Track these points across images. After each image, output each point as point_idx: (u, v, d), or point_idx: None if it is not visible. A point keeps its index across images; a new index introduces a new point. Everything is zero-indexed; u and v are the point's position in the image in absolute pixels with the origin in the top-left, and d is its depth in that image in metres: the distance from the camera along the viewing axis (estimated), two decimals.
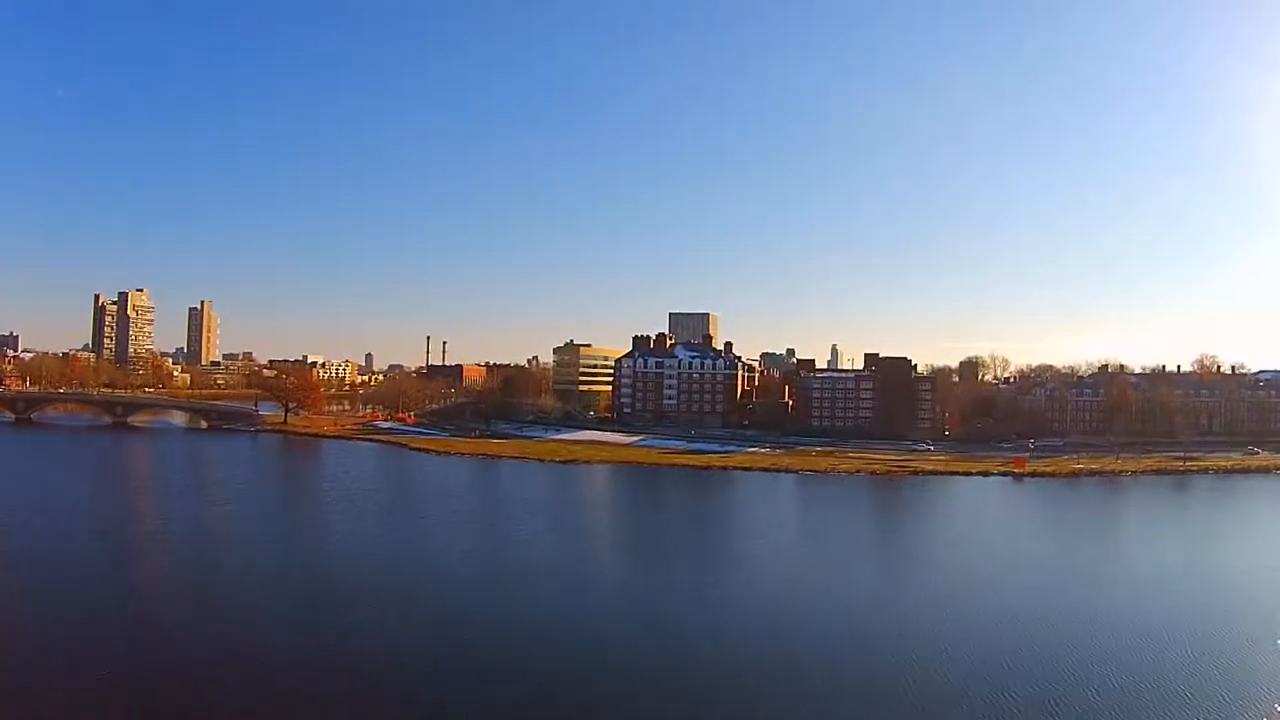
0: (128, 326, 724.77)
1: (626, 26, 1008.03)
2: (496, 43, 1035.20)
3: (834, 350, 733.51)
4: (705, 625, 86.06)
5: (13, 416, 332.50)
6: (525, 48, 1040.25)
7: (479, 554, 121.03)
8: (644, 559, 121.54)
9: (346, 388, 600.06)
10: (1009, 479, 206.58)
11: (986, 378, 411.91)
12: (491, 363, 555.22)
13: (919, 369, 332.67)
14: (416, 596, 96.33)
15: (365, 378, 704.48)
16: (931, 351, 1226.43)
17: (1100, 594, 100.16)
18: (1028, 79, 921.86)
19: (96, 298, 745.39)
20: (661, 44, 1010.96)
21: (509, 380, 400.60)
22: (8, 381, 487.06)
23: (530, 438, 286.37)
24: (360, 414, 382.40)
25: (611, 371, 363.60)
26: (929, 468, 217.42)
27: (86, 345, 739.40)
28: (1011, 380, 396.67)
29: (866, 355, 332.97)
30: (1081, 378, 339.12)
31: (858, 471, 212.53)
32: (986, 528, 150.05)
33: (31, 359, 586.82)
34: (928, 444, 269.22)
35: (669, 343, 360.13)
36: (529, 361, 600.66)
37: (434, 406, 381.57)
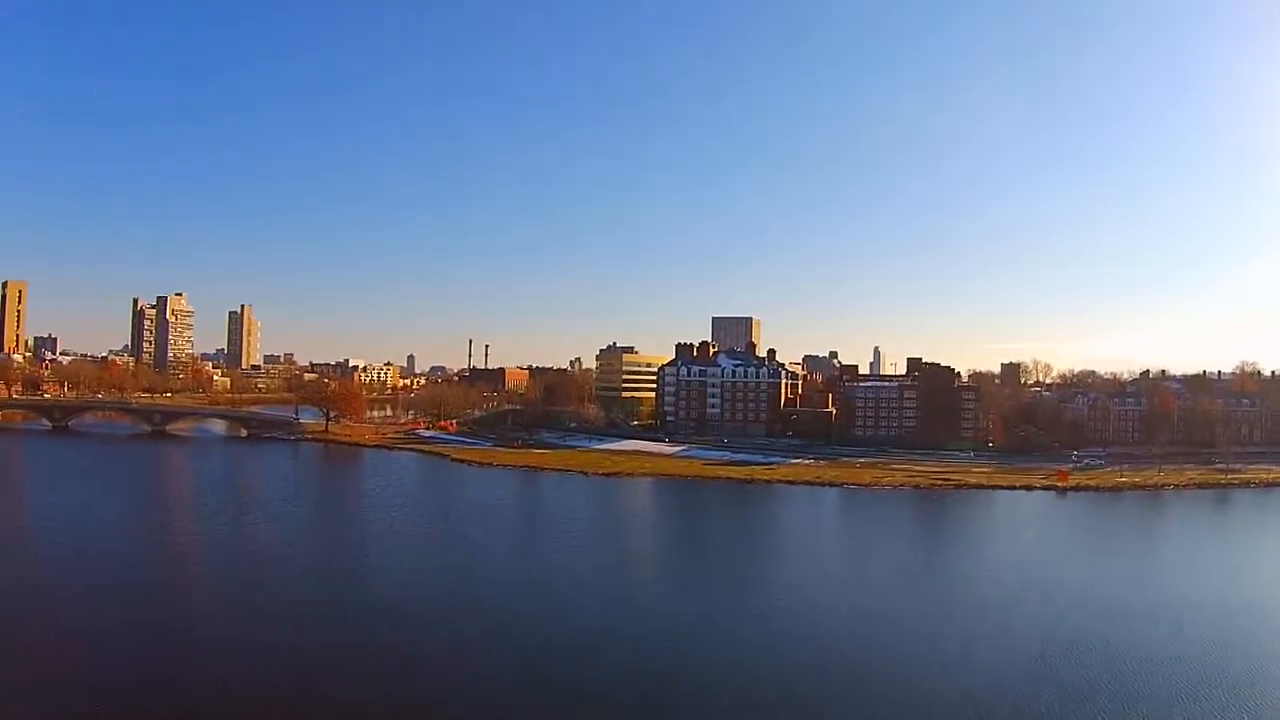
0: (167, 331, 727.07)
1: (661, 26, 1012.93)
2: (533, 40, 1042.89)
3: (876, 353, 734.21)
4: (751, 650, 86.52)
5: (49, 424, 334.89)
6: (562, 46, 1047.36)
7: (517, 576, 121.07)
8: (686, 585, 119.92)
9: (388, 392, 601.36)
10: (1052, 493, 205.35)
11: (1028, 382, 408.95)
12: (534, 365, 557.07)
13: (961, 374, 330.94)
14: (452, 617, 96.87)
15: (407, 381, 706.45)
16: (972, 353, 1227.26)
17: (1134, 625, 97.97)
18: (1055, 78, 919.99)
19: (135, 302, 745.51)
20: (698, 44, 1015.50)
21: (551, 387, 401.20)
22: (45, 387, 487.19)
23: (573, 447, 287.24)
24: (402, 421, 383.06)
25: (654, 378, 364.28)
26: (973, 481, 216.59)
27: (126, 347, 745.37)
28: (1053, 386, 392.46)
29: (909, 360, 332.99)
30: (1123, 385, 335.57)
31: (901, 485, 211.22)
32: (1032, 556, 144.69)
33: (69, 363, 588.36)
34: (969, 454, 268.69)
35: (712, 351, 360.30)
36: (571, 364, 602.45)
37: (476, 414, 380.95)
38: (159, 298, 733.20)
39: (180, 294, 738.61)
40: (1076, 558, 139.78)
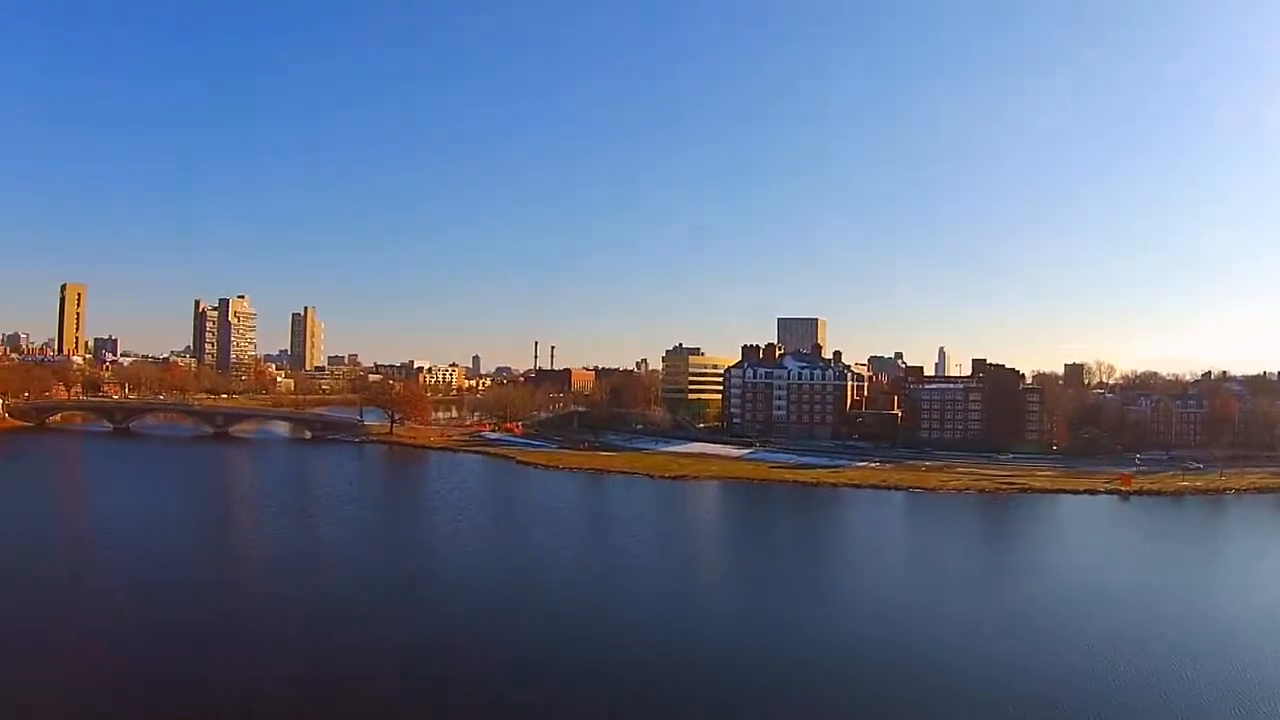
0: (229, 332, 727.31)
1: (726, 27, 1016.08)
2: (592, 42, 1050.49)
3: (941, 354, 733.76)
4: (820, 653, 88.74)
5: (110, 426, 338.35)
6: (623, 46, 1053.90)
7: (584, 580, 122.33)
8: (754, 589, 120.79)
9: (454, 393, 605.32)
10: (1116, 497, 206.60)
11: (1091, 384, 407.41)
12: (600, 367, 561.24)
13: (1025, 375, 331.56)
14: (516, 621, 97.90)
15: (472, 382, 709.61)
16: (1035, 353, 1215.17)
17: (1191, 631, 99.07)
18: (1112, 74, 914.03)
19: (197, 304, 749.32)
20: (758, 47, 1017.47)
21: (617, 388, 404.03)
22: (105, 388, 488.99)
23: (640, 450, 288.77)
24: (468, 423, 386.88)
25: (720, 379, 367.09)
26: (1037, 485, 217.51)
27: (188, 348, 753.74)
28: (1116, 388, 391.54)
29: (974, 362, 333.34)
30: (1185, 386, 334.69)
31: (966, 489, 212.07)
32: (1096, 562, 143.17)
33: (130, 365, 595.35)
34: (1032, 457, 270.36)
35: (778, 353, 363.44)
36: (638, 365, 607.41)
37: (542, 416, 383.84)
38: (221, 300, 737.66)
39: (243, 296, 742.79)
40: (1140, 564, 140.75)
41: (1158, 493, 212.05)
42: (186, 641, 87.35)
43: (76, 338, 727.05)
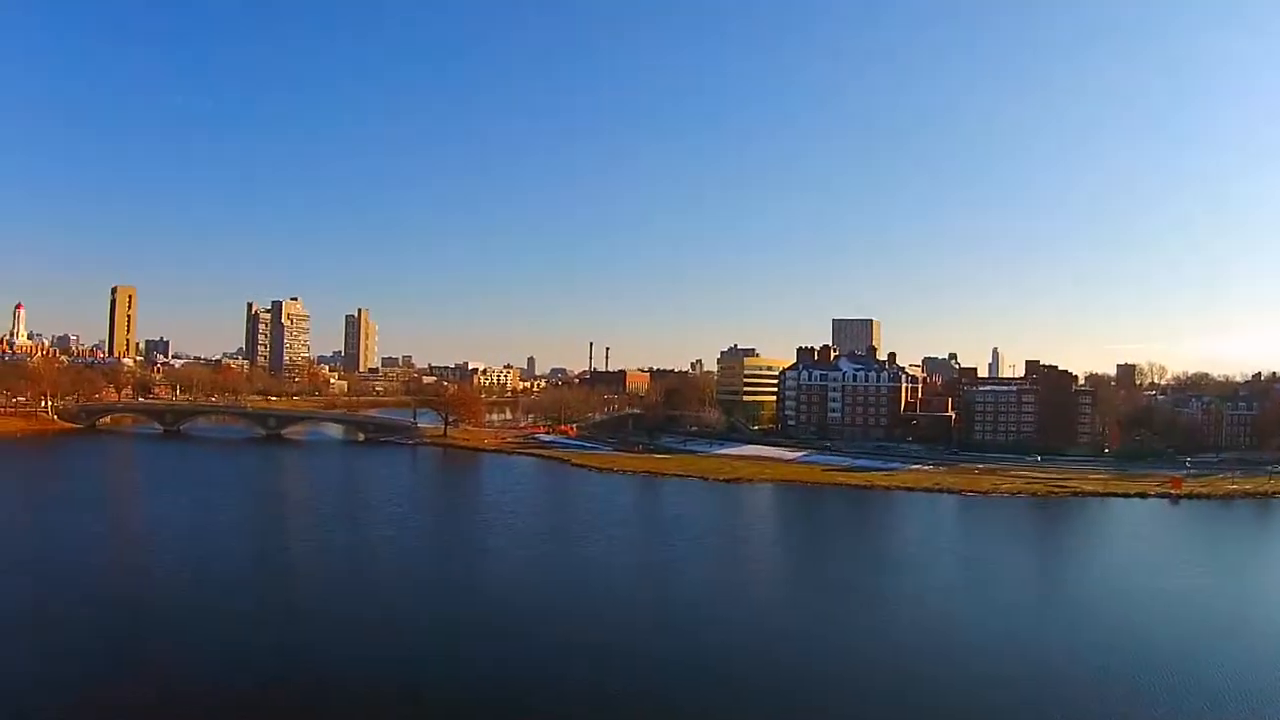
0: (282, 334, 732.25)
1: (770, 28, 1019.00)
2: (644, 45, 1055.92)
3: (995, 354, 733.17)
4: (875, 660, 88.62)
5: (161, 429, 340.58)
6: (676, 50, 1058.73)
7: (636, 584, 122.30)
8: (808, 595, 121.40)
9: (508, 395, 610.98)
10: (1166, 500, 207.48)
11: (1142, 385, 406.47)
12: (654, 368, 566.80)
13: (1078, 376, 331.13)
14: (568, 627, 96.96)
15: (527, 384, 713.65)
16: (1087, 353, 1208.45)
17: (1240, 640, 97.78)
18: (1166, 71, 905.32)
19: (249, 306, 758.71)
20: (807, 45, 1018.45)
21: (672, 391, 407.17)
22: (156, 390, 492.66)
23: (694, 452, 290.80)
24: (522, 425, 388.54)
25: (775, 381, 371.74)
26: (1089, 488, 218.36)
27: (240, 350, 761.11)
28: (1167, 389, 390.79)
29: (1027, 363, 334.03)
30: (1235, 388, 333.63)
31: (1018, 492, 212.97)
32: (1145, 566, 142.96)
33: (181, 367, 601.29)
34: (1085, 460, 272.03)
35: (833, 354, 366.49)
36: (693, 366, 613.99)
37: (597, 418, 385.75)
38: (274, 302, 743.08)
39: (296, 298, 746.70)
40: (1189, 570, 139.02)
41: (1208, 496, 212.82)
42: (233, 643, 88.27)
43: (127, 340, 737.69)
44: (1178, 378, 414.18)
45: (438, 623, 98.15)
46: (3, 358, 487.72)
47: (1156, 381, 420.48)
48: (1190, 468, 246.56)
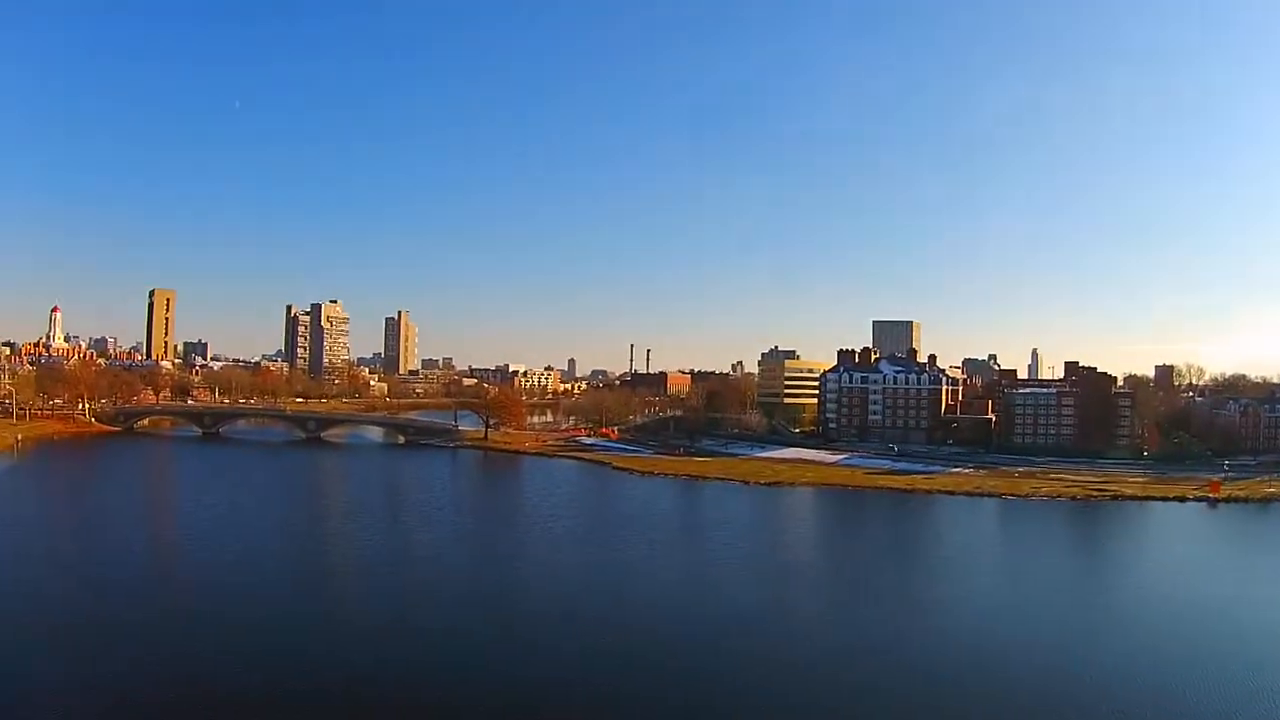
0: (321, 337, 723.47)
1: (833, 37, 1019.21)
2: (687, 52, 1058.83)
3: (1034, 355, 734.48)
4: (922, 670, 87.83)
5: (199, 431, 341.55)
6: (719, 56, 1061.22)
7: (675, 589, 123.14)
8: (847, 599, 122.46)
9: (549, 397, 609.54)
10: (1204, 504, 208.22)
11: (1180, 386, 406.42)
12: (695, 370, 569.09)
13: (1117, 378, 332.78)
14: (607, 633, 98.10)
15: (568, 386, 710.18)
16: (1125, 353, 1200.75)
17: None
18: (1204, 69, 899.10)
19: (288, 309, 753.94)
20: (846, 48, 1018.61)
21: (713, 393, 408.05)
22: (195, 393, 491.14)
23: (735, 455, 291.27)
24: (563, 428, 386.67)
25: (816, 383, 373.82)
26: (1128, 492, 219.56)
27: (279, 352, 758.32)
28: (1205, 391, 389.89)
29: (1066, 365, 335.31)
30: (1272, 389, 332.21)
31: (1059, 496, 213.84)
32: (1183, 571, 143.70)
33: (221, 369, 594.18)
34: (1124, 462, 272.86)
35: (873, 357, 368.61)
36: (733, 367, 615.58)
37: (638, 421, 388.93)
38: (313, 304, 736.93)
39: (335, 301, 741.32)
40: (1227, 576, 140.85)
41: (1245, 499, 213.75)
42: (274, 643, 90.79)
43: (165, 342, 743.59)
44: (1215, 379, 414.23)
45: (476, 629, 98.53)
46: (40, 361, 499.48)
47: (1194, 383, 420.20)
48: (1228, 470, 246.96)
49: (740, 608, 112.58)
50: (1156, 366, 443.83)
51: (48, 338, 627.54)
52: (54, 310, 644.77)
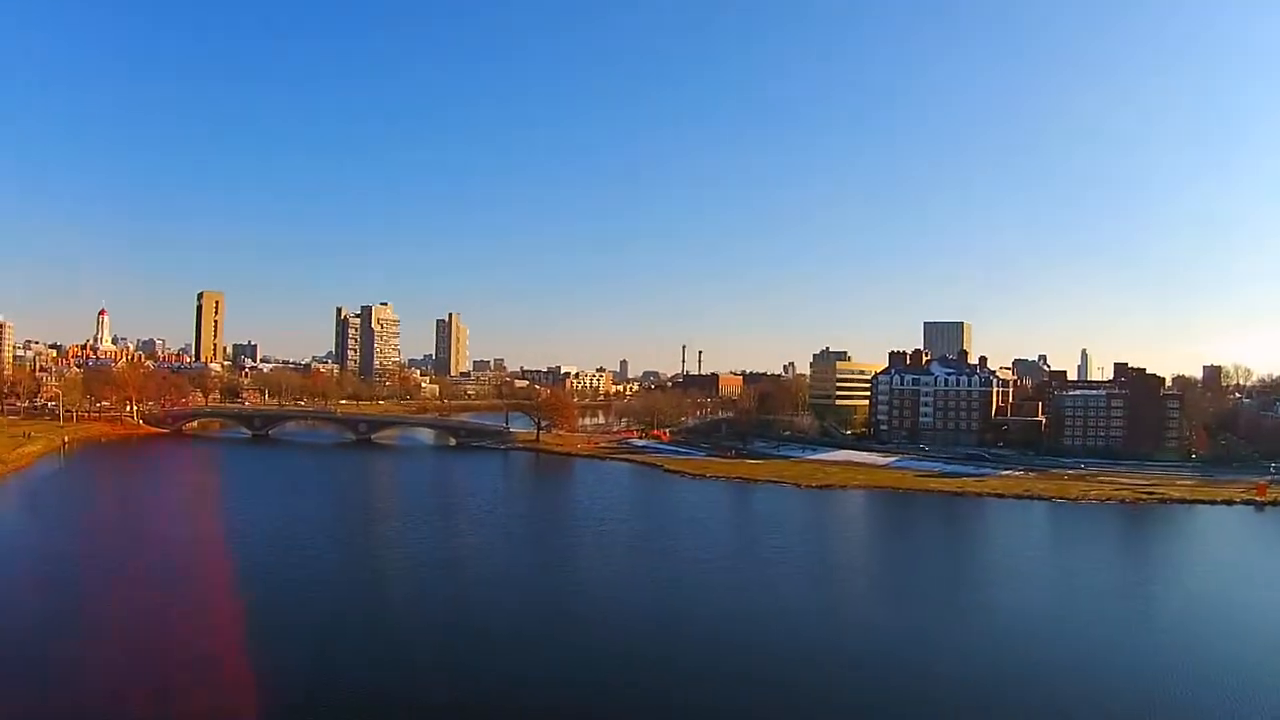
0: (372, 339, 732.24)
1: (875, 40, 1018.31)
2: (756, 57, 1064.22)
3: (1084, 356, 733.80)
4: (976, 676, 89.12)
5: (249, 433, 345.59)
6: (779, 58, 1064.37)
7: (729, 594, 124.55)
8: (900, 605, 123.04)
9: (600, 398, 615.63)
10: (1251, 508, 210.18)
11: (1228, 387, 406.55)
12: (747, 371, 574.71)
13: (1165, 379, 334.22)
14: (662, 640, 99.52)
15: (620, 387, 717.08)
16: (1173, 354, 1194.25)
17: None
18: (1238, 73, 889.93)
19: (338, 311, 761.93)
20: (897, 50, 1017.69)
21: (765, 395, 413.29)
22: (244, 394, 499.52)
23: (786, 457, 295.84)
24: (614, 430, 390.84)
25: (868, 385, 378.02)
26: (1175, 495, 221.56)
27: (330, 353, 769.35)
28: (1253, 392, 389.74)
29: (1115, 366, 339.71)
30: None
31: (1107, 499, 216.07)
32: (1231, 577, 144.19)
33: (270, 371, 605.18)
34: (1172, 465, 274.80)
35: (924, 358, 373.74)
36: (785, 369, 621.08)
37: (689, 423, 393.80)
38: (364, 307, 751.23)
39: (386, 303, 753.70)
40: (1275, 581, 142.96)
41: None
42: (325, 646, 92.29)
43: (214, 344, 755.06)
44: (1263, 380, 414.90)
45: (528, 635, 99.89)
46: (87, 363, 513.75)
47: (1242, 384, 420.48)
48: (1275, 473, 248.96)
49: (789, 614, 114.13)
50: (1204, 367, 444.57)
51: (95, 340, 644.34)
52: (101, 313, 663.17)
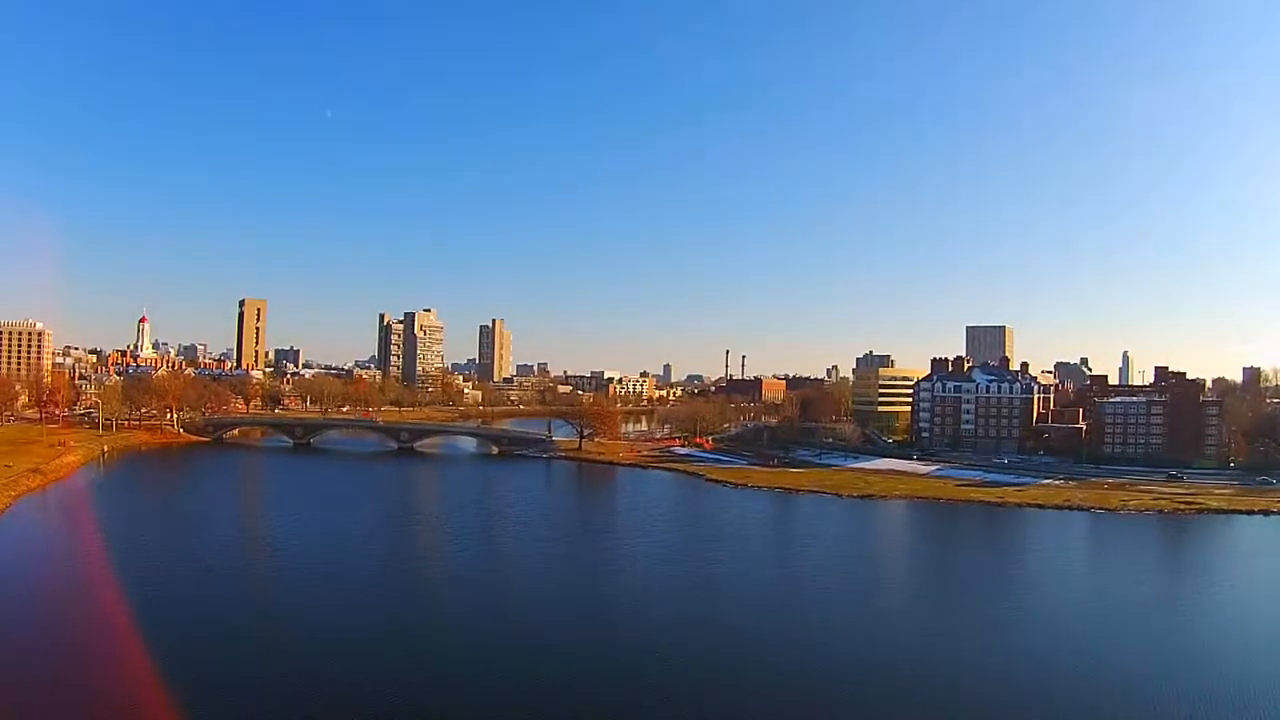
0: (415, 345, 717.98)
1: (919, 28, 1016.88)
2: (775, 59, 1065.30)
3: (1125, 359, 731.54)
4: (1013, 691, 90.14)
5: (290, 442, 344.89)
6: (814, 58, 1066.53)
7: (768, 604, 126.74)
8: (940, 618, 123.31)
9: (644, 404, 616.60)
10: None
11: (1267, 389, 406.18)
12: (790, 375, 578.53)
13: (1206, 383, 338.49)
14: (697, 651, 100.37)
15: (663, 392, 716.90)
16: (1218, 356, 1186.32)
17: None
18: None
19: (381, 317, 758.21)
20: (942, 52, 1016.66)
21: (808, 401, 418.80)
22: (286, 401, 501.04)
23: (829, 466, 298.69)
24: (657, 437, 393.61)
25: (910, 391, 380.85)
26: (1214, 505, 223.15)
27: (372, 358, 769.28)
28: None
29: (1156, 370, 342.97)
30: None
31: (1146, 510, 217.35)
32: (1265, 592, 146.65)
33: (312, 377, 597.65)
34: (1211, 473, 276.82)
35: (966, 365, 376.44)
36: (828, 372, 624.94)
37: (732, 430, 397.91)
38: (407, 313, 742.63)
39: (429, 309, 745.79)
40: None
41: None
42: (362, 655, 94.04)
43: (256, 351, 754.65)
44: None
45: (571, 648, 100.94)
46: (127, 370, 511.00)
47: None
48: None
49: (827, 628, 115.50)
50: (1244, 369, 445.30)
51: (135, 347, 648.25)
52: (141, 320, 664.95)
